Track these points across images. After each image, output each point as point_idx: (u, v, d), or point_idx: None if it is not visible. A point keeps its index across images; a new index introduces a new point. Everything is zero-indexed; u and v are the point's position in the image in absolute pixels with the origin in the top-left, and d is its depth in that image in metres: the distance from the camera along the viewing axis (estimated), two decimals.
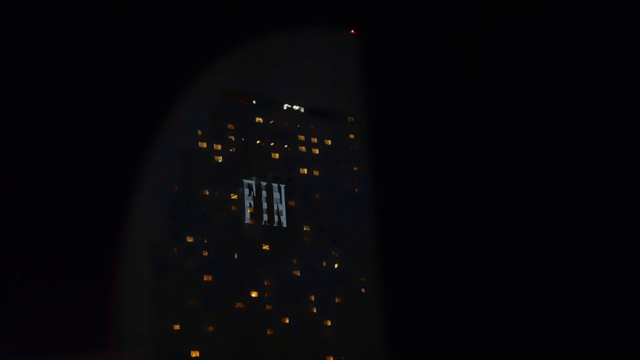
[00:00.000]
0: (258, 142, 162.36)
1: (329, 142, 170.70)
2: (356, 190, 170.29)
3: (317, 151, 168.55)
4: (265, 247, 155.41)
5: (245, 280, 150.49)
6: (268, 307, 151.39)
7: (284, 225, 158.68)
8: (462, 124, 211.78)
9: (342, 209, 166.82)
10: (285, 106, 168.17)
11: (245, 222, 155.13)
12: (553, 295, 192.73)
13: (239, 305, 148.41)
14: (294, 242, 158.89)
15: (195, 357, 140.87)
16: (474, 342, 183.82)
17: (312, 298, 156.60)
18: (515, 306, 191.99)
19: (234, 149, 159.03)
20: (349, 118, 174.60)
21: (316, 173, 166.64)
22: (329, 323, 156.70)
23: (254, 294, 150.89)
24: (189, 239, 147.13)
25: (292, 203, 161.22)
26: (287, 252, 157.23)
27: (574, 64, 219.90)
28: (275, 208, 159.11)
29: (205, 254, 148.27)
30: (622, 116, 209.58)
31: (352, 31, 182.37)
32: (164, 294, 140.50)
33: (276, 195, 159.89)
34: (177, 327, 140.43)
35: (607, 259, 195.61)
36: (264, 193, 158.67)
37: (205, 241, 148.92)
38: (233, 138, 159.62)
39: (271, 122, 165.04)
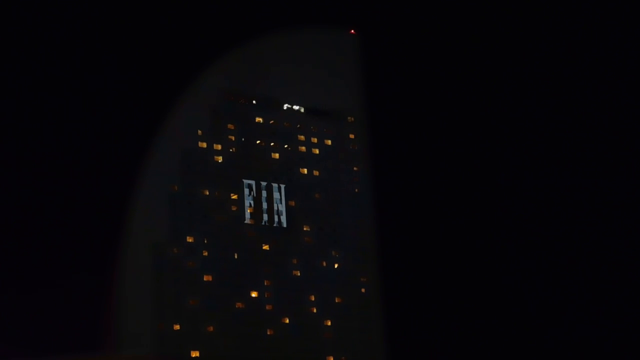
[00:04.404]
0: (258, 142, 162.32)
1: (329, 142, 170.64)
2: (356, 190, 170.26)
3: (317, 151, 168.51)
4: (265, 247, 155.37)
5: (245, 280, 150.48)
6: (268, 307, 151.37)
7: (284, 225, 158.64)
8: (462, 124, 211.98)
9: (342, 209, 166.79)
10: (285, 106, 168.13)
11: (245, 222, 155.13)
12: (553, 295, 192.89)
13: (239, 305, 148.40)
14: (294, 242, 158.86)
15: (195, 357, 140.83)
16: (474, 342, 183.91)
17: (312, 298, 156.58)
18: (515, 306, 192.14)
19: (234, 149, 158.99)
20: (349, 118, 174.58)
21: (316, 173, 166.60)
22: (329, 323, 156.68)
23: (254, 294, 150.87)
24: (189, 239, 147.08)
25: (292, 203, 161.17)
26: (287, 252, 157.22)
27: (574, 64, 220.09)
28: (275, 208, 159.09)
29: (205, 254, 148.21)
30: (622, 116, 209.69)
31: (352, 31, 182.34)
32: (164, 294, 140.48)
33: (276, 195, 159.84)
34: (177, 327, 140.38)
35: (607, 259, 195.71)
36: (264, 193, 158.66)
37: (205, 241, 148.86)
38: (233, 138, 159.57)
39: (271, 122, 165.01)
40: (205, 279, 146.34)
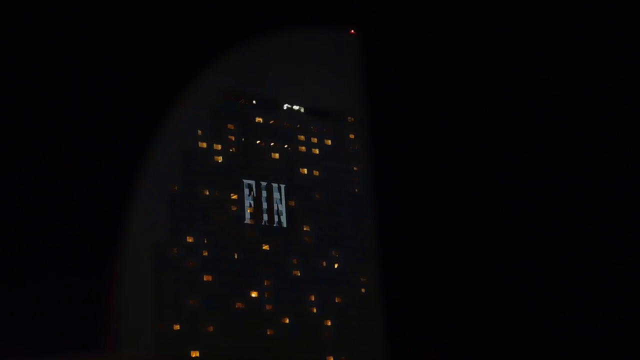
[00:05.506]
0: (258, 142, 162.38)
1: (329, 142, 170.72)
2: (356, 190, 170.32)
3: (317, 151, 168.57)
4: (265, 247, 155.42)
5: (245, 280, 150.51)
6: (268, 307, 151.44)
7: (284, 225, 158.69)
8: (462, 124, 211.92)
9: (342, 209, 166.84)
10: (285, 106, 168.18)
11: (245, 222, 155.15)
12: (553, 295, 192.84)
13: (239, 305, 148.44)
14: (294, 242, 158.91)
15: (195, 357, 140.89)
16: (474, 342, 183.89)
17: (312, 298, 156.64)
18: (515, 306, 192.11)
19: (234, 149, 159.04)
20: (349, 118, 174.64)
21: (316, 173, 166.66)
22: (329, 323, 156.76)
23: (254, 294, 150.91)
24: (189, 239, 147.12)
25: (292, 203, 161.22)
26: (287, 252, 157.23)
27: (574, 64, 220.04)
28: (275, 208, 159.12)
29: (205, 254, 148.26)
30: (622, 116, 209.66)
31: (352, 31, 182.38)
32: (164, 294, 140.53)
33: (276, 195, 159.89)
34: (177, 327, 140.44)
35: (607, 259, 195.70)
36: (264, 193, 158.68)
37: (205, 241, 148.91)
38: (233, 138, 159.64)
39: (271, 122, 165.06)
40: (205, 279, 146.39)
